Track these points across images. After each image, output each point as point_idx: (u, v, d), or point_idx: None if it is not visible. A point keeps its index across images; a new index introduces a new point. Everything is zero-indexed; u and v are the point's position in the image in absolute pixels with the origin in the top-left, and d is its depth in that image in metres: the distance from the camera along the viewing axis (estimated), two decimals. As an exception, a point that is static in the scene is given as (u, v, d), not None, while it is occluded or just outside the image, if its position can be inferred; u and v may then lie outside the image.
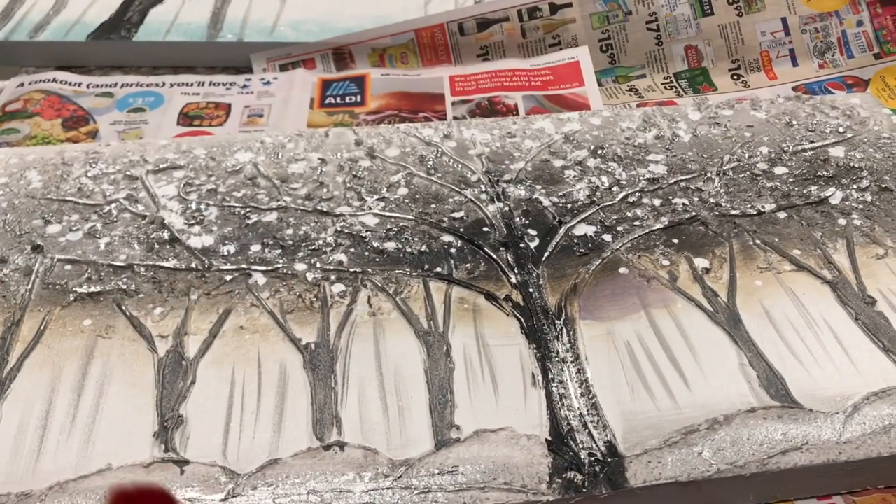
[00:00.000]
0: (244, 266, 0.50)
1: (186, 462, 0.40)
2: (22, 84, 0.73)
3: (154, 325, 0.47)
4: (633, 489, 0.39)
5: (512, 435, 0.41)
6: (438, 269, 0.50)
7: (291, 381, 0.44)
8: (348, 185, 0.57)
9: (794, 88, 0.74)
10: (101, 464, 0.39)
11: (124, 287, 0.49)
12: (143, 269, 0.50)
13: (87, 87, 0.73)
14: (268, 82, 0.74)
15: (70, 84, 0.73)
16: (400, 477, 0.39)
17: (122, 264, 0.50)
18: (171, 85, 0.74)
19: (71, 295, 0.48)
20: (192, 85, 0.74)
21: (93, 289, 0.49)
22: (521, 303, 0.48)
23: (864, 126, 0.63)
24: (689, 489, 0.40)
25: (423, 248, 0.52)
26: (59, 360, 0.44)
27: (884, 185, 0.56)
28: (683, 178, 0.58)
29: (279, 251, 0.51)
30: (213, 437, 0.41)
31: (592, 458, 0.40)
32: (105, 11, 0.80)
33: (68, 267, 0.50)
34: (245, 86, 0.74)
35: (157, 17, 0.79)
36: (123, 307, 0.48)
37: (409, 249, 0.52)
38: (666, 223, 0.54)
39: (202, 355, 0.45)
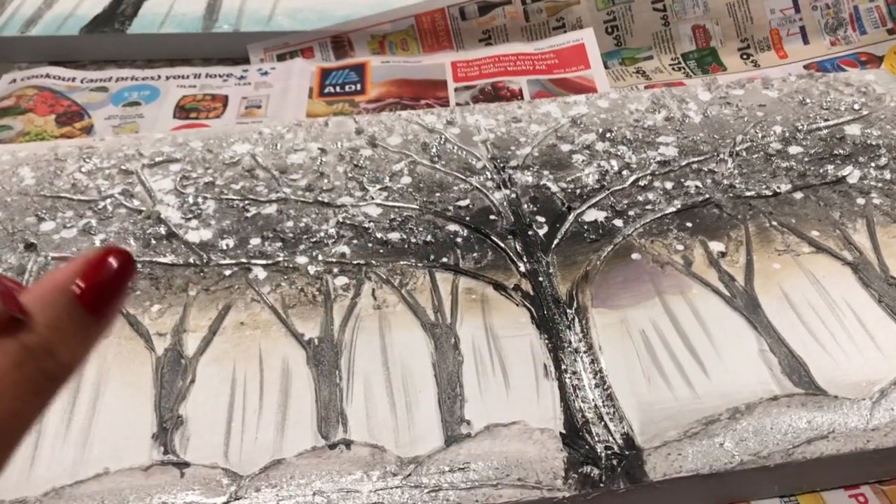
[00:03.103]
0: (244, 260, 0.49)
1: (187, 464, 0.38)
2: (14, 80, 0.71)
3: (152, 323, 0.45)
4: (652, 483, 0.37)
5: (525, 429, 0.39)
6: (444, 260, 0.49)
7: (294, 377, 0.42)
8: (349, 174, 0.55)
9: (805, 67, 0.72)
10: (98, 468, 0.38)
11: (120, 284, 0.47)
12: (139, 266, 0.48)
13: (81, 81, 0.72)
14: (265, 73, 0.72)
15: (63, 79, 0.72)
16: (409, 475, 0.37)
17: (117, 261, 0.49)
18: (167, 78, 0.72)
19: (65, 294, 0.47)
20: (188, 77, 0.72)
21: (88, 287, 0.47)
22: (531, 292, 0.46)
23: (881, 103, 0.61)
24: (711, 482, 0.38)
25: (429, 237, 0.50)
26: (53, 361, 0.43)
27: (903, 163, 0.55)
28: (695, 159, 0.56)
29: (279, 244, 0.50)
30: (214, 437, 0.39)
31: (609, 452, 0.38)
32: (98, 4, 0.78)
33: (63, 265, 0.48)
34: (242, 77, 0.72)
35: (152, 8, 0.78)
36: (120, 305, 0.46)
37: (413, 240, 0.50)
38: (679, 206, 0.52)
39: (202, 353, 0.43)
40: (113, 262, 0.25)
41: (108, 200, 0.53)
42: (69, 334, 0.24)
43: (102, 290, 0.24)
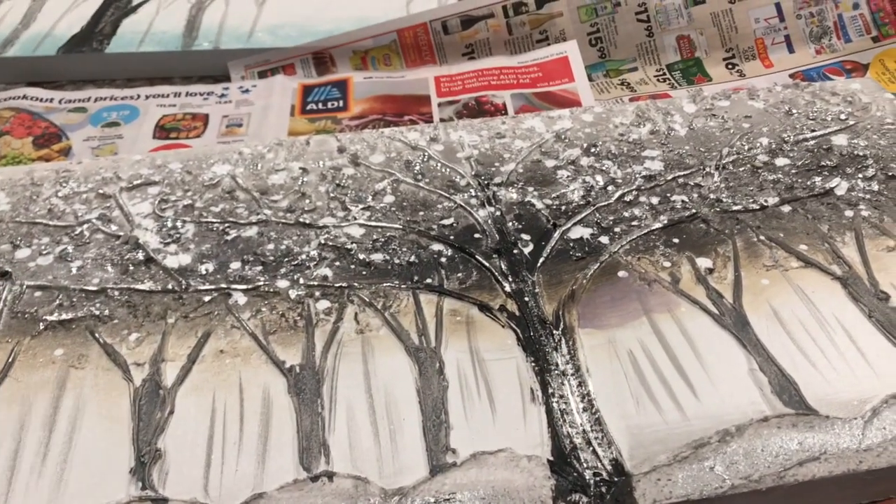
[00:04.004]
0: (223, 285, 0.48)
1: (165, 500, 0.37)
2: (-9, 102, 0.70)
3: (129, 353, 0.44)
4: (642, 510, 0.36)
5: (511, 456, 0.38)
6: (429, 281, 0.48)
7: (275, 407, 0.41)
8: (331, 194, 0.55)
9: (791, 76, 0.71)
10: (73, 506, 0.37)
11: (97, 313, 0.46)
12: (117, 293, 0.47)
13: (60, 102, 0.71)
14: (246, 90, 0.71)
15: (41, 100, 0.71)
16: (393, 507, 0.36)
17: (94, 289, 0.48)
18: (147, 97, 0.71)
19: (41, 323, 0.46)
20: (167, 96, 0.71)
21: (64, 316, 0.46)
22: (517, 313, 0.46)
23: (867, 112, 0.60)
24: (702, 507, 0.37)
25: (412, 258, 0.49)
26: (28, 394, 0.42)
27: (890, 174, 0.54)
28: (681, 173, 0.55)
29: (260, 268, 0.49)
30: (194, 471, 0.38)
31: (598, 479, 0.37)
32: (76, 23, 0.77)
33: (38, 293, 0.48)
34: (223, 95, 0.71)
35: (130, 27, 0.77)
36: (97, 334, 0.45)
37: (396, 261, 0.49)
38: (665, 222, 0.51)
39: (181, 383, 0.42)
40: None
41: (86, 226, 0.52)
42: None
43: None
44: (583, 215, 0.52)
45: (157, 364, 0.43)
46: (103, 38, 0.75)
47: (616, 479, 0.37)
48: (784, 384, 0.41)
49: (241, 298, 0.47)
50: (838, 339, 0.43)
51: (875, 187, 0.53)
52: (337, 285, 0.48)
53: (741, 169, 0.55)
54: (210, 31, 0.76)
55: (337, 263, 0.49)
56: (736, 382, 0.41)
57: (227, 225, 0.52)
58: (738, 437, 0.39)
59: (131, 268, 0.49)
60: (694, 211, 0.52)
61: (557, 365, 0.43)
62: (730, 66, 0.73)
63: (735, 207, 0.52)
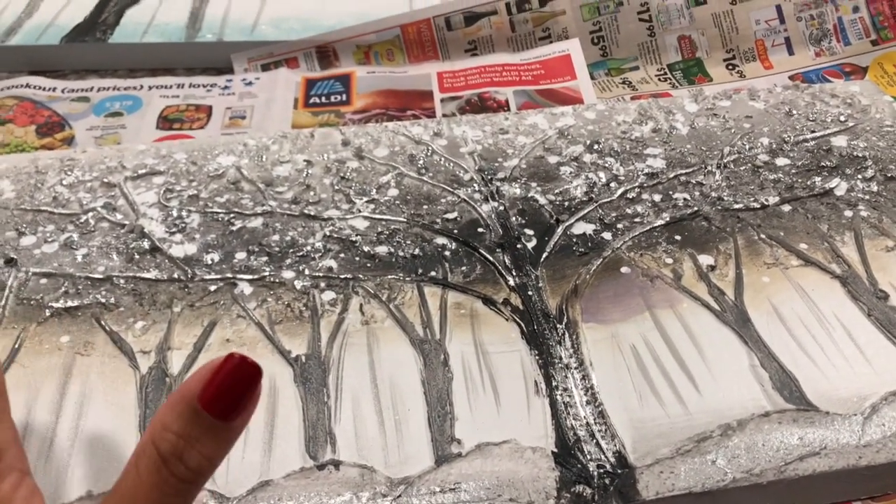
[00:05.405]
0: (229, 275, 0.48)
1: (172, 486, 0.37)
2: (-7, 90, 0.70)
3: (135, 340, 0.44)
4: (645, 502, 0.37)
5: (516, 448, 0.39)
6: (433, 273, 0.48)
7: (282, 396, 0.41)
8: (336, 187, 0.55)
9: (790, 77, 0.72)
10: (80, 490, 0.37)
11: (103, 300, 0.46)
12: (122, 281, 0.48)
13: (62, 91, 0.71)
14: (250, 83, 0.71)
15: (44, 89, 0.71)
16: (399, 496, 0.37)
17: (100, 276, 0.48)
18: (150, 88, 0.71)
19: (47, 310, 0.46)
20: (171, 87, 0.71)
21: (70, 303, 0.46)
22: (521, 306, 0.46)
23: (866, 114, 0.61)
24: (703, 500, 0.38)
25: (416, 251, 0.50)
26: (35, 380, 0.42)
27: (889, 175, 0.55)
28: (683, 171, 0.56)
29: (265, 258, 0.49)
30: (200, 458, 0.38)
31: (601, 470, 0.38)
32: (79, 13, 0.77)
33: (44, 281, 0.48)
34: (226, 87, 0.71)
35: (134, 17, 0.77)
36: (103, 322, 0.45)
37: (401, 253, 0.49)
38: (667, 219, 0.52)
39: (187, 371, 0.43)
40: (236, 368, 0.27)
41: (90, 214, 0.52)
42: (196, 441, 0.27)
43: (225, 397, 0.27)
44: (586, 211, 0.52)
45: (163, 352, 0.43)
46: (106, 29, 0.75)
47: (619, 472, 0.38)
48: (785, 380, 0.42)
49: (246, 288, 0.47)
50: (838, 336, 0.44)
51: (874, 188, 0.54)
52: (342, 277, 0.48)
53: (742, 168, 0.56)
54: (213, 23, 0.76)
55: (342, 255, 0.49)
56: (737, 378, 0.42)
57: (232, 215, 0.52)
58: (739, 431, 0.39)
59: (137, 256, 0.49)
60: (696, 209, 0.52)
61: (561, 358, 0.43)
62: (730, 67, 0.73)
63: (736, 206, 0.52)
